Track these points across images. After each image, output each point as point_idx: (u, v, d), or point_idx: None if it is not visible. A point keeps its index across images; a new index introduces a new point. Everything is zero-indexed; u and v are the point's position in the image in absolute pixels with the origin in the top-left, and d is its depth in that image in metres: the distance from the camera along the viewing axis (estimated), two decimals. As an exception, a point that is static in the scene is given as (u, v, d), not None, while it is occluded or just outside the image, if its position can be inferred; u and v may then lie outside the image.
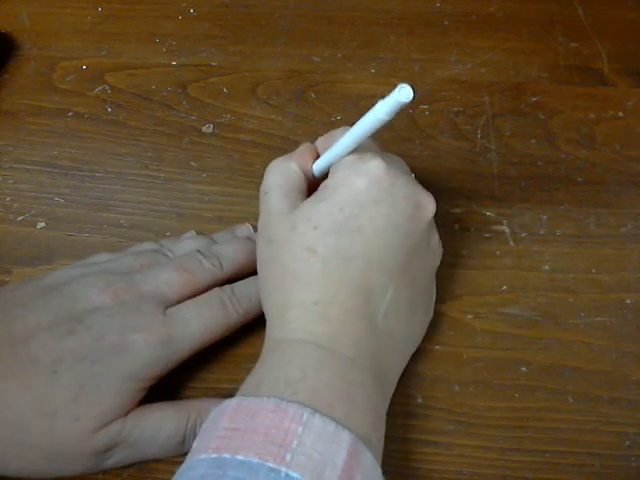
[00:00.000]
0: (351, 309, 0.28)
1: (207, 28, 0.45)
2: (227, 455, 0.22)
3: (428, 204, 0.30)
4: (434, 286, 0.33)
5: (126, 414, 0.29)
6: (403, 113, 0.41)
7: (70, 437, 0.28)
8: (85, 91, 0.43)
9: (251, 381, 0.27)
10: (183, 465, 0.24)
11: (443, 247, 0.33)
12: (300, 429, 0.23)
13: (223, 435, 0.23)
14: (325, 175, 0.32)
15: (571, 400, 0.33)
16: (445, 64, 0.44)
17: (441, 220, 0.35)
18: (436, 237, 0.32)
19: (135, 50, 0.44)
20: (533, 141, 0.41)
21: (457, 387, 0.33)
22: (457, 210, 0.38)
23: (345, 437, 0.24)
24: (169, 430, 0.30)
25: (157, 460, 0.31)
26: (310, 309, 0.28)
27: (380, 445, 0.27)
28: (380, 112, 0.26)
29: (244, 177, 0.40)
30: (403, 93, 0.25)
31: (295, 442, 0.23)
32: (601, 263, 0.37)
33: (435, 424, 0.32)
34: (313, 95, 0.43)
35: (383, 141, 0.41)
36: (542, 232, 0.38)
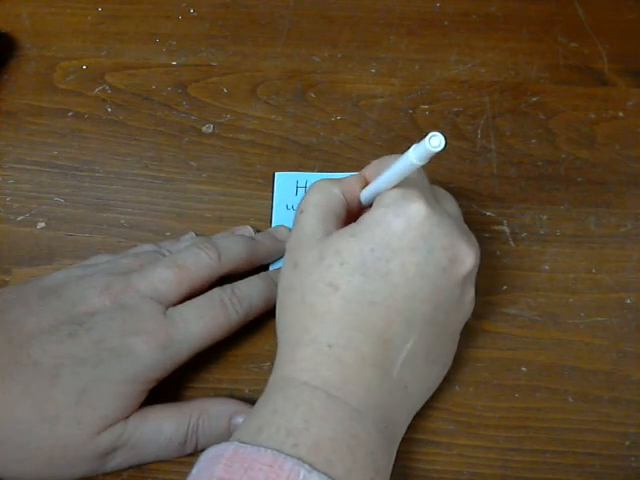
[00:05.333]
0: (367, 357, 0.27)
1: (207, 28, 0.45)
2: None
3: (466, 258, 0.28)
4: (457, 339, 0.32)
5: (127, 417, 0.29)
6: (403, 113, 0.42)
7: (71, 441, 0.28)
8: (85, 91, 0.43)
9: (252, 423, 0.26)
10: None
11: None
12: None
13: None
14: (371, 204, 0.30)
15: (571, 400, 0.33)
16: (445, 64, 0.44)
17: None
18: (471, 293, 0.30)
19: (135, 50, 0.44)
20: (533, 141, 0.41)
21: (457, 387, 0.33)
22: (457, 210, 0.38)
23: None
24: (170, 432, 0.30)
25: (158, 460, 0.31)
26: (323, 351, 0.27)
27: None
28: (413, 157, 0.25)
29: (244, 177, 0.40)
30: (433, 141, 0.24)
31: None
32: (601, 263, 0.37)
33: (435, 424, 0.32)
34: (313, 95, 0.43)
35: (383, 141, 0.41)
36: (542, 232, 0.38)
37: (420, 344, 0.28)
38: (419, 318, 0.28)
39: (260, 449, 0.23)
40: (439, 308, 0.28)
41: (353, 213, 0.31)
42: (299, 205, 0.31)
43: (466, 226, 0.31)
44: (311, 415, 0.25)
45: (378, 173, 0.30)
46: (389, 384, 0.28)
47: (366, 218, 0.28)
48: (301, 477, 0.23)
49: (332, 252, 0.28)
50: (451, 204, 0.31)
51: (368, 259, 0.27)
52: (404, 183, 0.28)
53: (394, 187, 0.28)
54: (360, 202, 0.32)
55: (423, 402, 0.31)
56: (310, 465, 0.23)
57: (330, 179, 0.31)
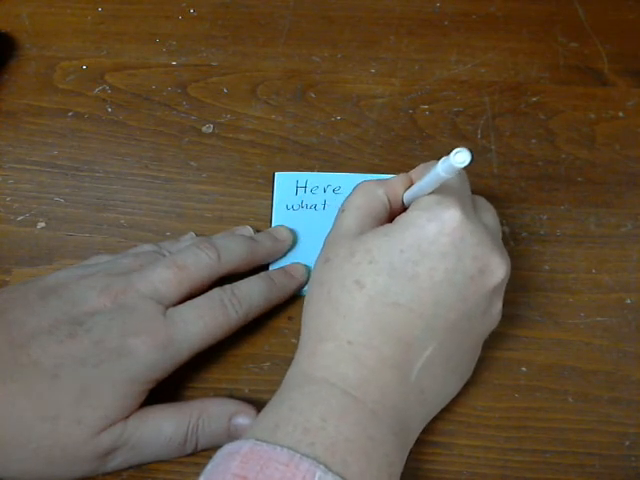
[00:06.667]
0: (386, 358, 0.27)
1: (207, 28, 0.45)
2: None
3: (496, 270, 0.28)
4: (479, 351, 0.31)
5: (127, 417, 0.29)
6: (403, 113, 0.42)
7: (72, 440, 0.28)
8: (85, 91, 0.43)
9: (269, 419, 0.26)
10: None
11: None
12: None
13: None
14: None
15: (571, 400, 0.33)
16: (445, 64, 0.44)
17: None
18: (498, 305, 0.30)
19: (135, 50, 0.44)
20: (533, 141, 0.41)
21: (457, 387, 0.33)
22: (457, 210, 0.38)
23: None
24: (170, 432, 0.30)
25: (158, 460, 0.31)
26: (344, 348, 0.27)
27: None
28: (440, 170, 0.26)
29: (244, 177, 0.40)
30: (458, 157, 0.24)
31: None
32: (601, 263, 0.37)
33: (435, 424, 0.32)
34: (313, 95, 0.43)
35: (383, 141, 0.41)
36: (542, 232, 0.38)
37: (440, 351, 0.28)
38: (442, 324, 0.28)
39: (276, 447, 0.24)
40: (463, 317, 0.28)
41: (395, 213, 0.31)
42: (342, 204, 0.31)
43: (502, 241, 0.30)
44: (329, 414, 0.25)
45: (422, 176, 0.30)
46: (406, 388, 0.27)
47: (400, 219, 0.29)
48: (316, 478, 0.23)
49: (363, 250, 0.28)
50: (490, 216, 0.31)
51: (397, 260, 0.27)
52: (444, 189, 0.28)
53: (433, 192, 0.28)
54: (403, 203, 0.32)
55: (437, 410, 0.30)
56: (325, 465, 0.23)
57: (376, 180, 0.31)
